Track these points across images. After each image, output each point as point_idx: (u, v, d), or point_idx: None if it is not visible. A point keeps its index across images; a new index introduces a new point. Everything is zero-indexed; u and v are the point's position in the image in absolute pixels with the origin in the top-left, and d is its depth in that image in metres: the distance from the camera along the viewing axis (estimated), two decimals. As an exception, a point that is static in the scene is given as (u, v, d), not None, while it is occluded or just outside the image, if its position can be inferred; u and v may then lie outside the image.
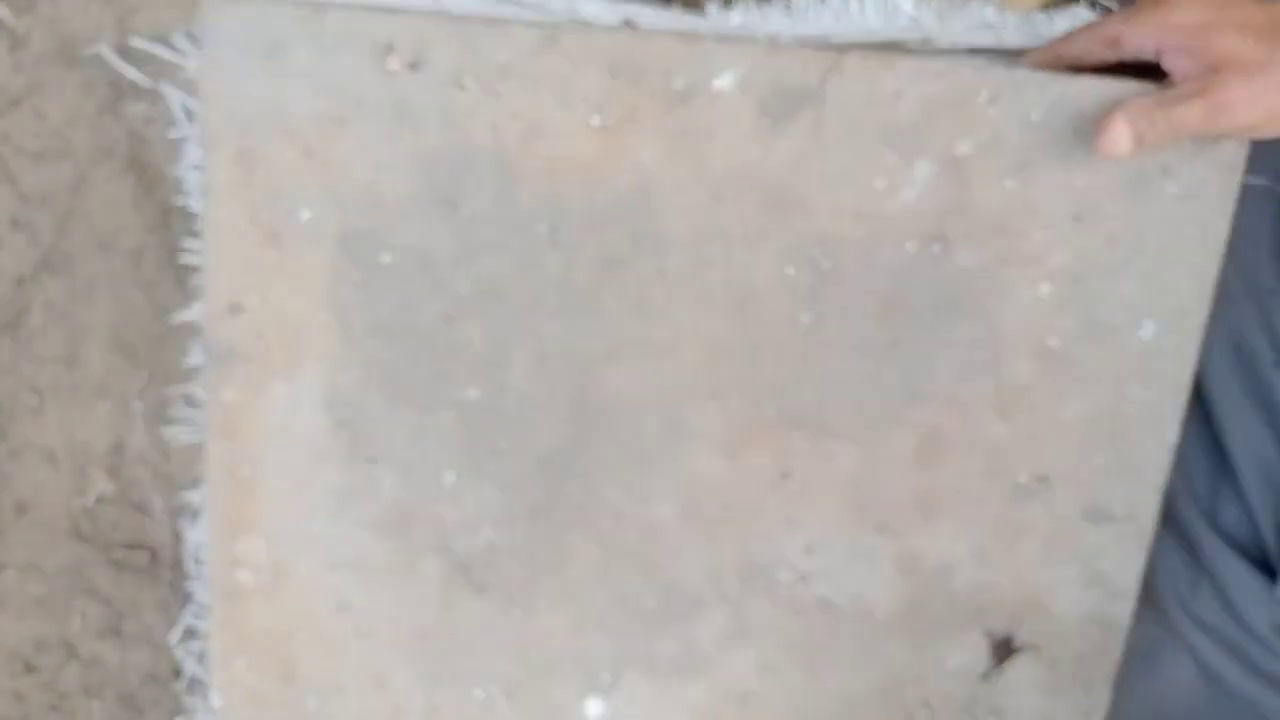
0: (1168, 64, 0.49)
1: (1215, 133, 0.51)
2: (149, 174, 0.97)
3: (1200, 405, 0.64)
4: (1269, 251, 0.60)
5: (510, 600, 0.63)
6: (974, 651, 0.61)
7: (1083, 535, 0.59)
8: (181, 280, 1.00)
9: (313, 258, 0.58)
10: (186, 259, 0.63)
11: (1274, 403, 0.61)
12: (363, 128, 0.56)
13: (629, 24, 0.55)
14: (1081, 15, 0.55)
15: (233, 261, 0.59)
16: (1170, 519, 0.65)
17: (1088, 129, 0.52)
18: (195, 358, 0.64)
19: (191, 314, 0.62)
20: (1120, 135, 0.51)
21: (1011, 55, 0.55)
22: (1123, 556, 0.59)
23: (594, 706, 0.64)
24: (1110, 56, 0.51)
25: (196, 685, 0.70)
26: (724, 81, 0.54)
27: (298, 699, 0.66)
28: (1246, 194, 0.53)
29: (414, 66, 0.55)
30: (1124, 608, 0.60)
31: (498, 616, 0.63)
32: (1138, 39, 0.49)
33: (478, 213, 0.57)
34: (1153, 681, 0.67)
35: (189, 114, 0.59)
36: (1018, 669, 0.61)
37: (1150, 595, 0.65)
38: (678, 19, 0.56)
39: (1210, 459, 0.64)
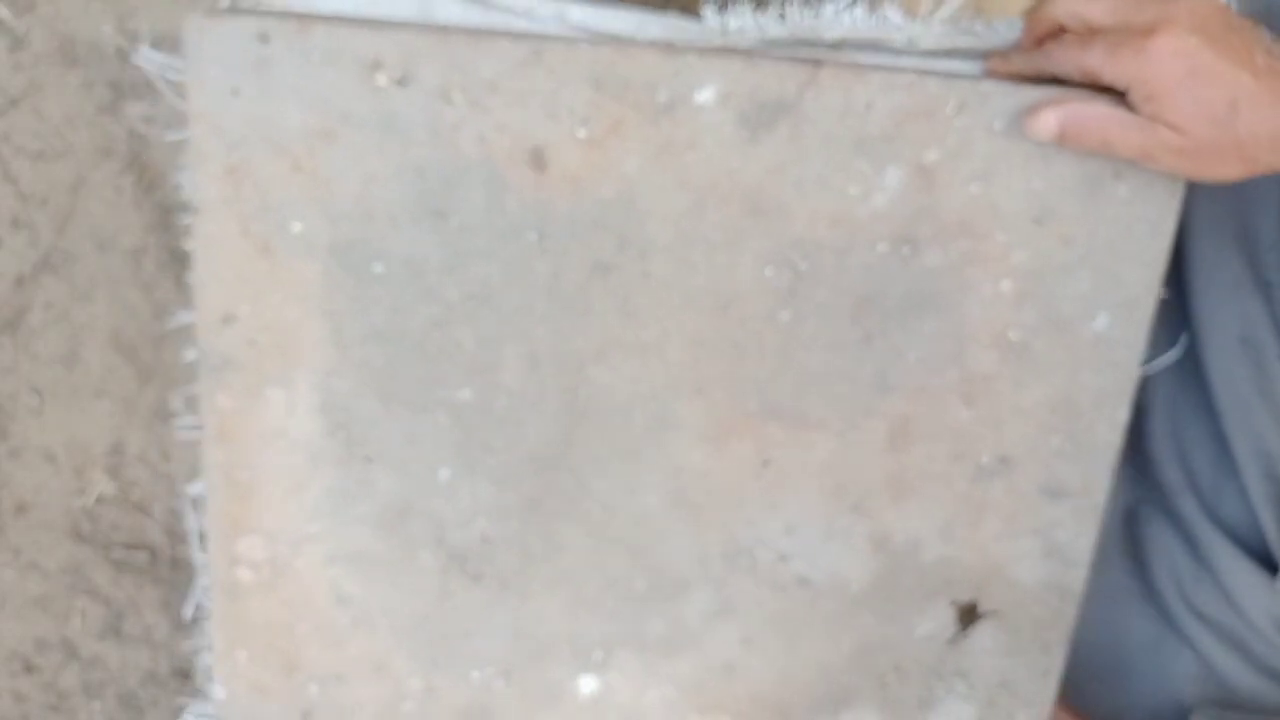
0: (1129, 100, 0.52)
1: (1139, 164, 0.54)
2: (149, 174, 0.96)
3: (1205, 398, 0.65)
4: (1276, 245, 0.62)
5: (505, 587, 0.66)
6: (941, 620, 0.66)
7: (1041, 510, 0.63)
8: (181, 280, 1.00)
9: (305, 268, 0.60)
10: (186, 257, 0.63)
11: (1279, 395, 0.62)
12: (351, 141, 0.57)
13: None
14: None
15: (225, 273, 0.60)
16: (1171, 512, 0.67)
17: (1047, 137, 0.56)
18: (192, 357, 0.65)
19: (189, 317, 0.63)
20: (1046, 125, 0.54)
21: (986, 55, 0.58)
22: (1077, 529, 0.63)
23: (587, 683, 0.68)
24: (1084, 82, 0.54)
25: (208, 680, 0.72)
26: (705, 95, 0.56)
27: (299, 688, 0.69)
28: (1254, 188, 0.55)
29: (402, 82, 0.56)
30: (1078, 575, 0.65)
31: (493, 603, 0.66)
32: (1110, 79, 0.52)
33: (467, 222, 0.59)
34: (1153, 676, 0.69)
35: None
36: (981, 634, 0.66)
37: (1150, 589, 0.69)
38: (671, 22, 0.58)
39: (1213, 452, 0.66)
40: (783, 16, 0.58)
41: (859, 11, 0.58)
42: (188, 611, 0.70)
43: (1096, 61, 0.52)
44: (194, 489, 0.67)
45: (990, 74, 0.57)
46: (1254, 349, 0.63)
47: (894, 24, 0.57)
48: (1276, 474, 0.63)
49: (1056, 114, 0.53)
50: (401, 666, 0.68)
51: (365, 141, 0.57)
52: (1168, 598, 0.69)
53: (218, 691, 0.69)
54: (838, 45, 0.58)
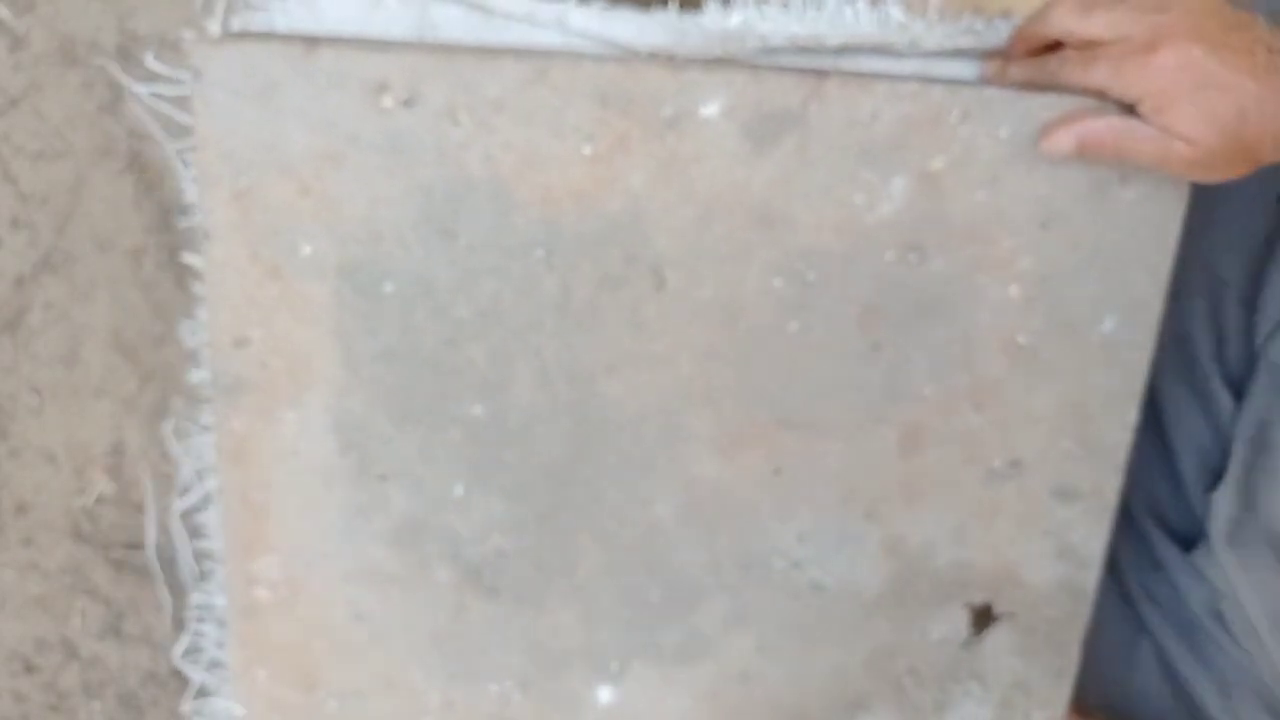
0: (1139, 112, 0.52)
1: (1151, 171, 0.55)
2: (149, 174, 0.97)
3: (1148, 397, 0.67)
4: (1224, 245, 0.63)
5: (520, 601, 0.66)
6: (955, 622, 0.66)
7: (1052, 513, 0.64)
8: (181, 280, 1.00)
9: (315, 290, 0.60)
10: (187, 259, 0.64)
11: (1210, 392, 0.64)
12: (359, 163, 0.58)
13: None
14: None
15: (235, 297, 0.60)
16: (1125, 509, 0.69)
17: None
18: (197, 375, 0.65)
19: (196, 340, 0.63)
20: (1062, 144, 0.54)
21: (990, 56, 0.58)
22: (1089, 530, 0.64)
23: (604, 694, 0.68)
24: (1091, 94, 0.54)
25: (203, 693, 0.72)
26: (710, 108, 0.56)
27: (318, 705, 0.69)
28: (1207, 187, 0.56)
29: (408, 103, 0.56)
30: (1091, 576, 0.65)
31: (509, 616, 0.67)
32: (1119, 95, 0.52)
33: (476, 240, 0.59)
34: (1117, 661, 0.70)
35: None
36: (996, 636, 0.66)
37: (1122, 588, 0.70)
38: (672, 25, 0.58)
39: (1156, 448, 0.67)
40: (785, 4, 0.57)
41: (861, 5, 0.57)
42: (181, 644, 0.70)
43: (1102, 79, 0.52)
44: (180, 504, 0.68)
45: (987, 83, 0.57)
46: (1189, 347, 0.64)
47: (896, 22, 0.57)
48: (1211, 469, 0.64)
49: (1071, 132, 0.54)
50: (419, 682, 0.68)
51: (372, 163, 0.57)
52: (1135, 596, 0.70)
53: (236, 710, 0.69)
54: (840, 51, 0.58)
